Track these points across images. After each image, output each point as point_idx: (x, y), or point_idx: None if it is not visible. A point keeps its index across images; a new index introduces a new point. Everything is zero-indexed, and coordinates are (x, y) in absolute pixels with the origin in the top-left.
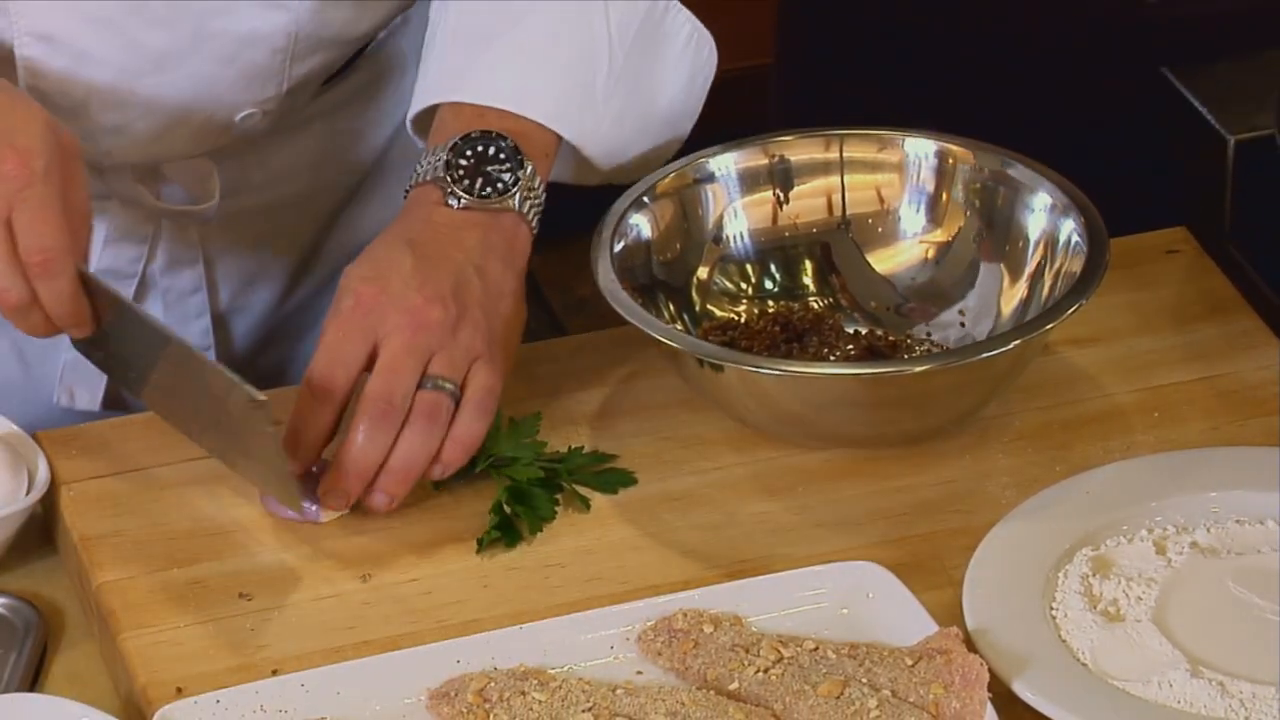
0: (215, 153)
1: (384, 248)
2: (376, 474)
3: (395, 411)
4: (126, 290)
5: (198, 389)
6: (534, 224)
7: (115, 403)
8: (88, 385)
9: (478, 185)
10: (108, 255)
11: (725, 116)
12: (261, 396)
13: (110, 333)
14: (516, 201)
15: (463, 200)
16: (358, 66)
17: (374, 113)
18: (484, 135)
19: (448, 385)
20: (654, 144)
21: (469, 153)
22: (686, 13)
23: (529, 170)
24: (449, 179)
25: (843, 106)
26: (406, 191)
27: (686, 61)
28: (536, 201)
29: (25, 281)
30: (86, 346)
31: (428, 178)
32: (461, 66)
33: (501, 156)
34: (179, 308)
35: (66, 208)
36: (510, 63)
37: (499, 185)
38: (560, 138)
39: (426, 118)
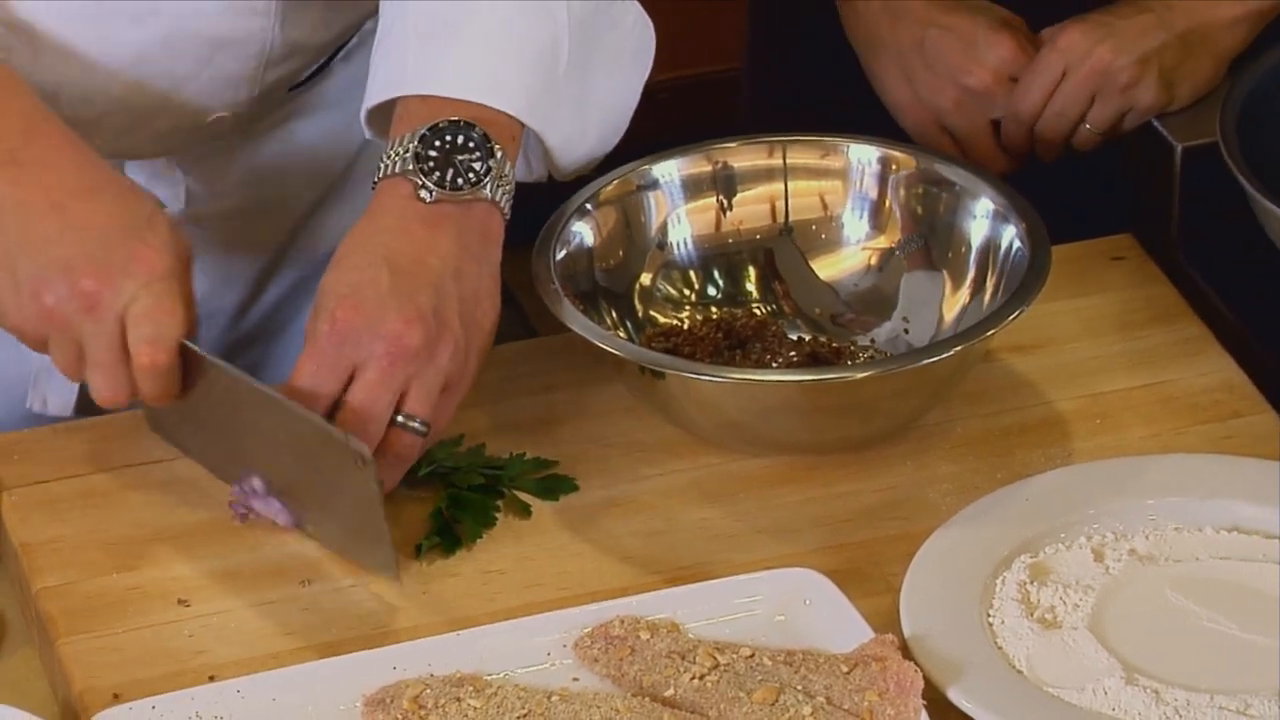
0: (182, 158)
1: (360, 260)
2: None
3: (368, 442)
4: None
5: (284, 443)
6: (506, 210)
7: (87, 409)
8: (60, 391)
9: (449, 177)
10: None
11: (696, 119)
12: (368, 453)
13: (189, 400)
14: (489, 191)
15: (435, 194)
16: (325, 74)
17: (340, 121)
18: (452, 125)
19: (420, 427)
20: (601, 135)
21: (438, 144)
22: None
23: (499, 157)
24: (420, 171)
25: (810, 111)
26: (374, 184)
27: (629, 49)
28: (508, 188)
29: (128, 379)
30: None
31: (396, 170)
32: (424, 58)
33: (471, 145)
34: None
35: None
36: (476, 54)
37: (470, 176)
38: (524, 126)
39: (382, 111)
